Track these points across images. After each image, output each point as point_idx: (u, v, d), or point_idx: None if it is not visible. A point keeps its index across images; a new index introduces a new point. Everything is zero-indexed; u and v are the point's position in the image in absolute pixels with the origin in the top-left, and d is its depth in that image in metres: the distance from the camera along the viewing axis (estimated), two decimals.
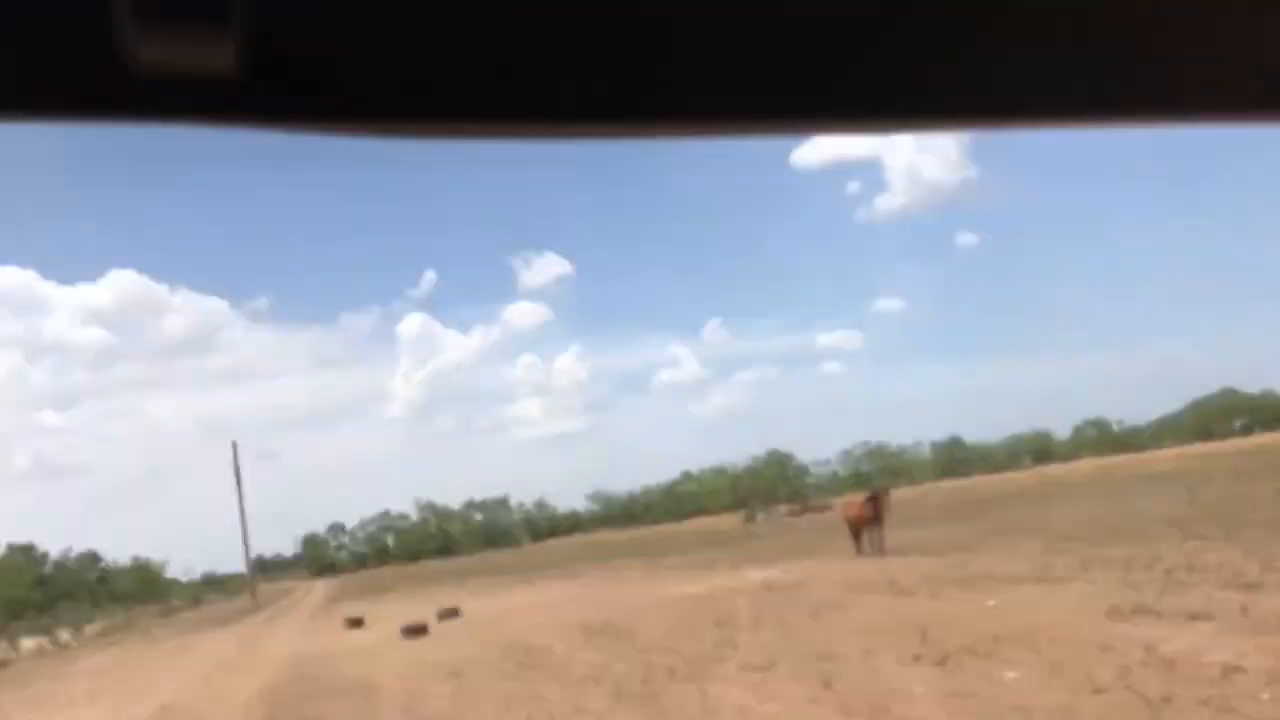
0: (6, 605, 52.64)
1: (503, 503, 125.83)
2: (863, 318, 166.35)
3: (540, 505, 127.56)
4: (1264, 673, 8.24)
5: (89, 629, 52.99)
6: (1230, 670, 8.48)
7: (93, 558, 76.31)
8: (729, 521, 76.99)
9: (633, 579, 32.00)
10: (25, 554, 69.39)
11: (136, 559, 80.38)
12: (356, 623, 29.15)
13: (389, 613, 31.83)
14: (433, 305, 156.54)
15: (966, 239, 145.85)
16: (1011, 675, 9.62)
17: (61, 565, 72.47)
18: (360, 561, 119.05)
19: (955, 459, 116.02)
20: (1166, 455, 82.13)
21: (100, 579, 75.72)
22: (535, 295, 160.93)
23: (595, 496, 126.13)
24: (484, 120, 0.69)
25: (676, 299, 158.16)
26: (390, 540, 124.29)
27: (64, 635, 48.11)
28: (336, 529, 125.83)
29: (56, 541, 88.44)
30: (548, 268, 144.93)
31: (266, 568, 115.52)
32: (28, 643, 43.39)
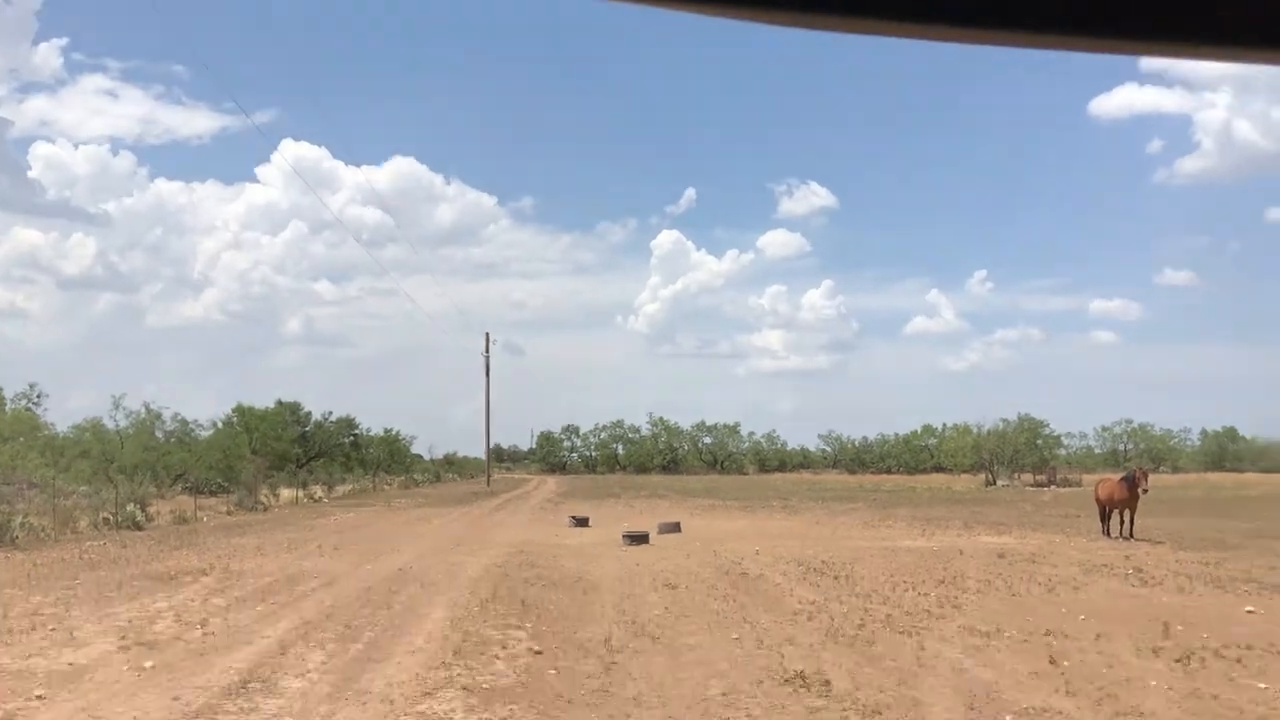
0: (272, 455, 57.32)
1: (733, 429, 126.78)
2: (1146, 288, 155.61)
3: (770, 438, 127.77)
4: None
5: (339, 489, 57.28)
6: None
7: (348, 423, 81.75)
8: (967, 482, 74.69)
9: (857, 523, 31.60)
10: (292, 411, 75.02)
11: (387, 430, 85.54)
12: (582, 522, 30.25)
13: (612, 517, 32.85)
14: (689, 224, 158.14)
15: (1277, 215, 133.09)
16: (1262, 685, 8.85)
17: (321, 426, 77.94)
18: (589, 465, 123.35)
19: (1227, 451, 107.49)
20: None
21: (353, 444, 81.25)
22: (794, 225, 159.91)
23: (828, 438, 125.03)
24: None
25: (942, 244, 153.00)
26: (620, 449, 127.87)
27: (318, 491, 52.20)
28: (570, 430, 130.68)
29: (318, 404, 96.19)
30: (810, 198, 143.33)
31: (502, 457, 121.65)
32: (286, 493, 47.25)
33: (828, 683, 9.17)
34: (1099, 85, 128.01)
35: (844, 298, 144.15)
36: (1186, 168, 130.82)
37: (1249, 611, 12.95)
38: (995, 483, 72.22)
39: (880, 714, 8.21)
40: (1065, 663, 9.95)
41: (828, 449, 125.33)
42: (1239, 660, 9.93)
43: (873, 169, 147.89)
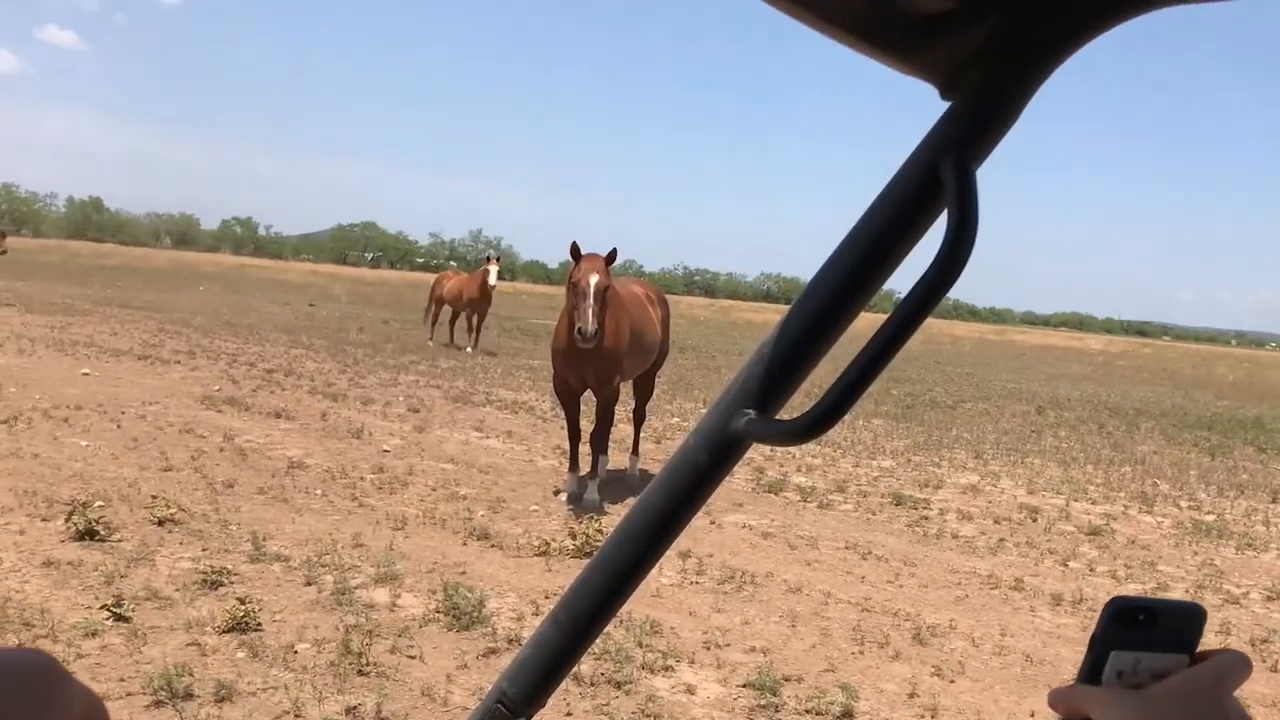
0: None
1: None
2: (27, 41, 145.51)
3: None
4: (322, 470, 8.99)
5: None
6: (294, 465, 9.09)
7: None
8: None
9: None
10: None
11: None
12: None
13: None
14: None
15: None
16: (84, 443, 9.19)
17: None
18: None
19: (91, 221, 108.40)
20: (301, 268, 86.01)
21: None
22: None
23: None
24: None
25: None
26: None
27: None
28: None
29: None
30: None
31: None
32: None
33: None
34: None
35: None
36: None
37: (85, 374, 13.30)
38: None
39: None
40: None
41: None
42: (66, 420, 10.15)
43: None
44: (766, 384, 0.75)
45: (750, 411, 0.75)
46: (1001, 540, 8.69)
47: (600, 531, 7.36)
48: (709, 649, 5.54)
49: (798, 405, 0.66)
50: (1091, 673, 0.66)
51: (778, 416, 0.76)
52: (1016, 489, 11.18)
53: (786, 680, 5.14)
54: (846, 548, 7.98)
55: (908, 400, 19.09)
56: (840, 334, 0.74)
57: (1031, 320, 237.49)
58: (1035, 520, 9.61)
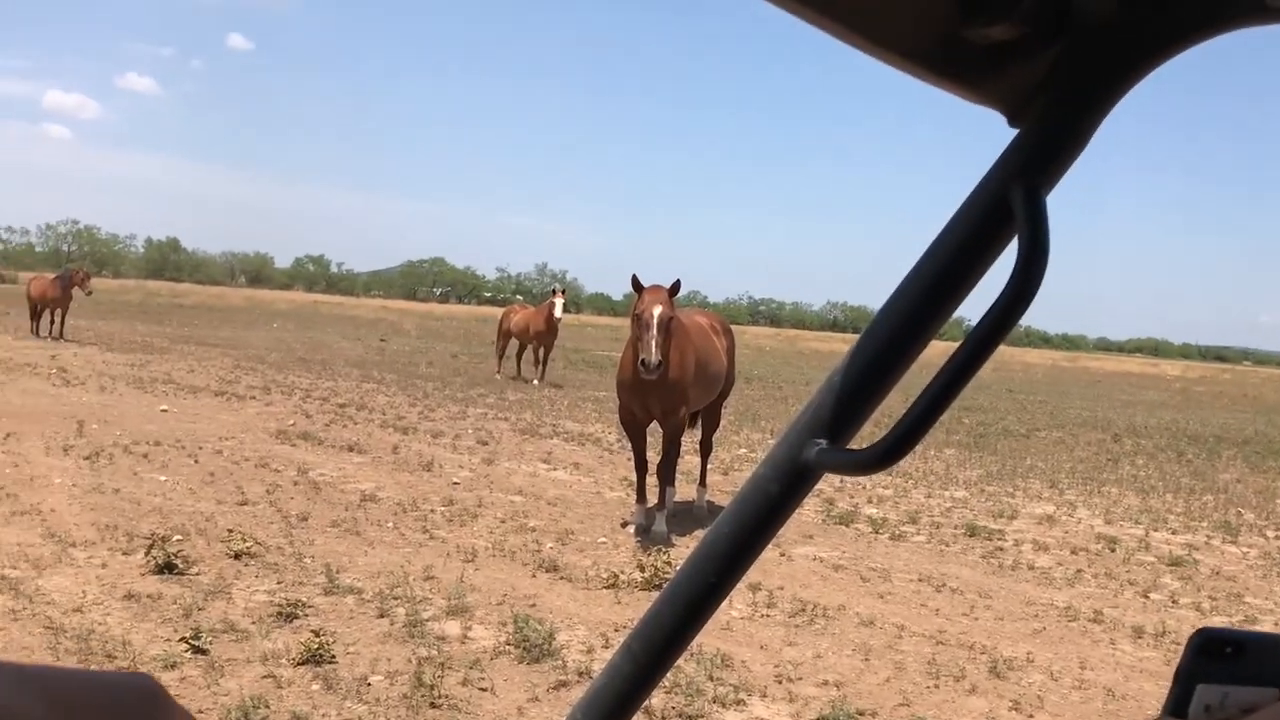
0: None
1: None
2: (106, 88, 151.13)
3: None
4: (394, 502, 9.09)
5: None
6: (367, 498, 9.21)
7: None
8: None
9: None
10: None
11: None
12: None
13: None
14: None
15: (239, 41, 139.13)
16: (162, 478, 9.39)
17: None
18: None
19: (169, 261, 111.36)
20: (372, 304, 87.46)
21: None
22: None
23: None
24: None
25: None
26: None
27: None
28: None
29: None
30: None
31: None
32: None
33: None
34: None
35: None
36: None
37: (163, 410, 13.63)
38: None
39: None
40: None
41: None
42: (146, 456, 10.40)
43: None
44: (837, 413, 0.74)
45: (821, 441, 0.74)
46: (1079, 571, 8.49)
47: (669, 564, 7.33)
48: (780, 682, 5.48)
49: (867, 435, 0.66)
50: (1177, 707, 0.64)
51: (849, 446, 0.76)
52: (1094, 519, 10.93)
53: (860, 715, 5.07)
54: (920, 580, 7.86)
55: (980, 429, 18.80)
56: (911, 363, 0.74)
57: (1105, 346, 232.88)
58: (1114, 551, 9.38)
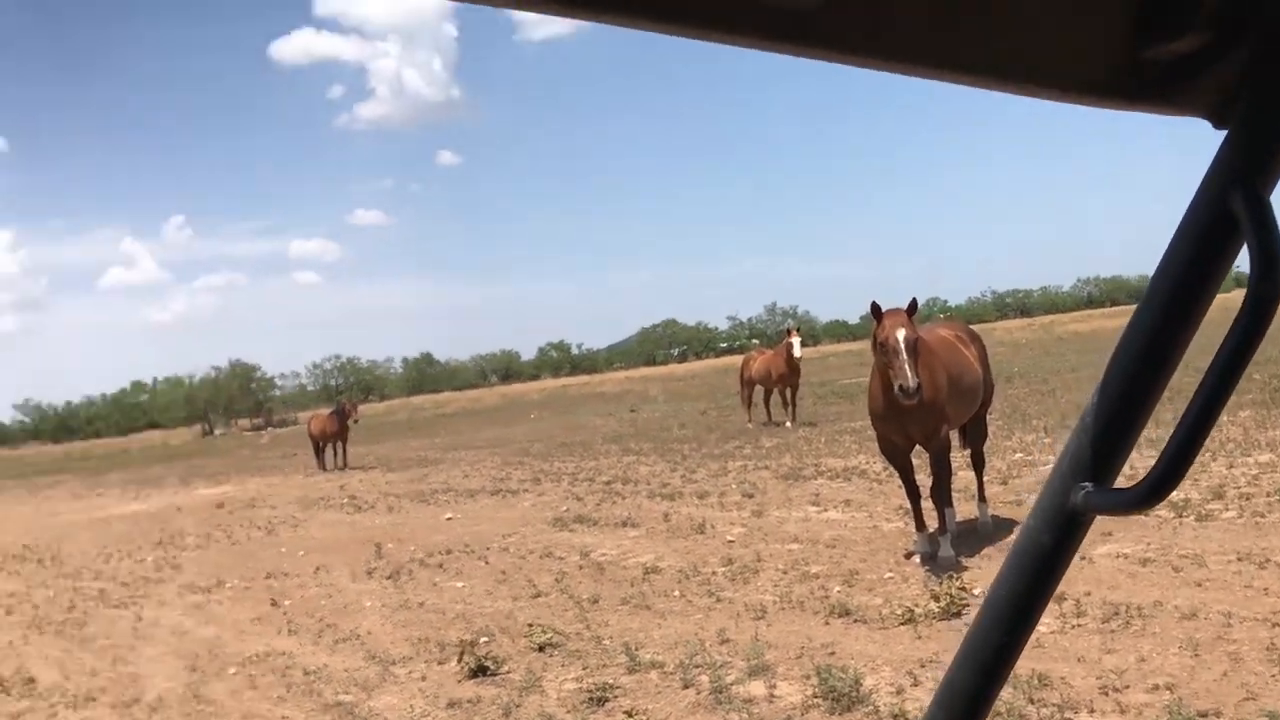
0: None
1: None
2: (341, 227, 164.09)
3: None
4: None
5: None
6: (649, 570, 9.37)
7: None
8: (183, 436, 72.42)
9: (65, 497, 28.98)
10: None
11: None
12: None
13: None
14: None
15: (447, 157, 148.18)
16: (460, 585, 9.90)
17: None
18: None
19: (426, 375, 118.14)
20: (616, 377, 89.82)
21: None
22: None
23: (25, 406, 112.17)
24: None
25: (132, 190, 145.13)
26: None
27: None
28: None
29: None
30: None
31: None
32: None
33: (32, 680, 8.29)
34: (276, 28, 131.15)
35: (27, 251, 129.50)
36: (366, 113, 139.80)
37: (448, 519, 14.40)
38: (212, 432, 71.16)
39: (95, 700, 7.63)
40: (287, 601, 10.16)
41: (27, 419, 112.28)
42: (440, 565, 11.00)
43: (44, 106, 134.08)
44: (1097, 453, 0.73)
45: (1087, 485, 0.73)
46: None
47: (963, 589, 7.06)
48: (1107, 694, 5.15)
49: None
50: None
51: (1115, 486, 0.74)
52: None
53: (1203, 716, 4.70)
54: (1239, 559, 7.24)
55: (1275, 383, 17.20)
56: (1162, 390, 0.72)
57: None
58: None
